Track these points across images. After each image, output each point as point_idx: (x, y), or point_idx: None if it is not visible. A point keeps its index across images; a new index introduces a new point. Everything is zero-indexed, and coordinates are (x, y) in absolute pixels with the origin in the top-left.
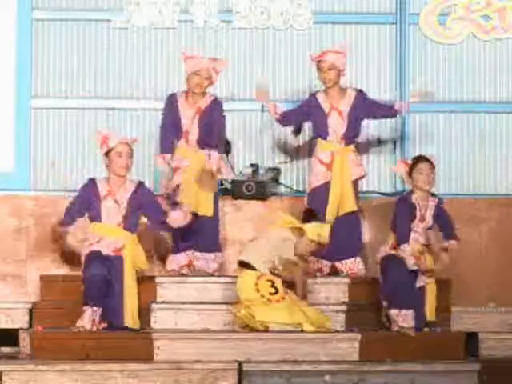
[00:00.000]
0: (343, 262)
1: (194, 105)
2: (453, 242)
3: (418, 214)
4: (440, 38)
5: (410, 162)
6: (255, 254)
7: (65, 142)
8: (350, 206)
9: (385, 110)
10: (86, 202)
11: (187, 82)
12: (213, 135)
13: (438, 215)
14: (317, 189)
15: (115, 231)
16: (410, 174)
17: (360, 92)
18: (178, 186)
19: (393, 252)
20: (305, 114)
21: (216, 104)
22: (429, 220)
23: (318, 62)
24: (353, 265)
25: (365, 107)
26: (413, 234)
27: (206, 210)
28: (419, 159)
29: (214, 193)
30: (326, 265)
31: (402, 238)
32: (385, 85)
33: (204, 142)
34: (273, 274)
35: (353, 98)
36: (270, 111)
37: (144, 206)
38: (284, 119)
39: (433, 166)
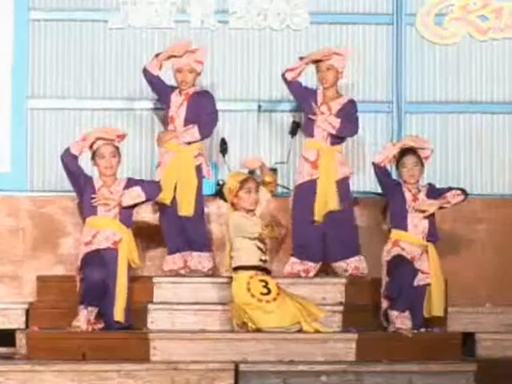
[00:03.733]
0: (348, 260)
1: (183, 93)
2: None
3: (409, 195)
4: (436, 39)
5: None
6: (242, 255)
7: (61, 142)
8: (333, 204)
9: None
10: (84, 177)
11: (175, 80)
12: (199, 125)
13: (432, 191)
14: (301, 186)
15: (112, 223)
16: (397, 167)
17: (350, 102)
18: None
19: (398, 251)
20: (303, 96)
21: (205, 93)
22: (422, 199)
23: (318, 62)
24: (358, 263)
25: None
26: (410, 219)
27: (186, 210)
28: (404, 152)
29: (197, 192)
30: (311, 266)
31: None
32: (381, 85)
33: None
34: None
35: (342, 104)
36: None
37: (137, 185)
38: (292, 82)
39: (418, 159)
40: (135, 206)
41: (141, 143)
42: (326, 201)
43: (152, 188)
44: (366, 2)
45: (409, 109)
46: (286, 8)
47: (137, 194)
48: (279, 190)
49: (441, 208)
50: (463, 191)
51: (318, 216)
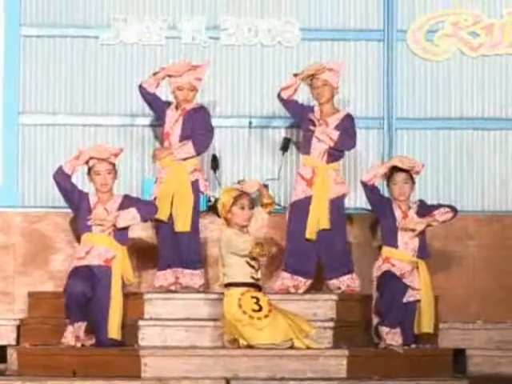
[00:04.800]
0: (340, 279)
1: (180, 109)
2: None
3: (399, 212)
4: (428, 55)
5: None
6: (233, 272)
7: (53, 158)
8: (324, 223)
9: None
10: (78, 194)
11: (173, 96)
12: (195, 140)
13: (423, 208)
14: (295, 204)
15: (106, 241)
16: (387, 184)
17: (348, 116)
18: (155, 198)
19: (388, 268)
20: (300, 113)
21: (201, 109)
22: (412, 216)
23: (312, 78)
24: (350, 281)
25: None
26: (401, 236)
27: (183, 226)
28: (394, 169)
29: (193, 208)
30: (302, 282)
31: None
32: (372, 101)
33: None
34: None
35: (340, 119)
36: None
37: (134, 204)
38: (289, 100)
39: (409, 176)
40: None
41: (131, 159)
42: (319, 219)
43: (148, 209)
44: (356, 18)
45: (400, 125)
46: (277, 24)
47: (132, 216)
48: None
49: (429, 226)
50: (452, 208)
51: (310, 234)
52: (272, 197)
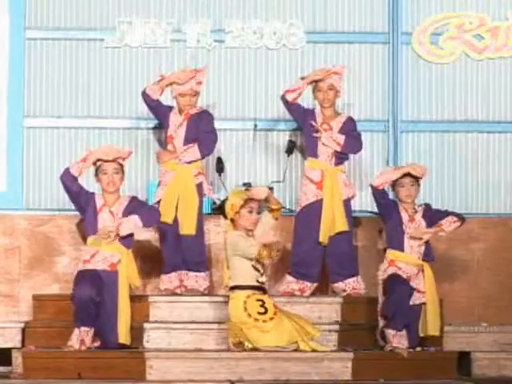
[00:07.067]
0: (346, 281)
1: (183, 113)
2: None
3: (405, 215)
4: (432, 58)
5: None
6: (238, 275)
7: (57, 161)
8: (342, 225)
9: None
10: (84, 196)
11: (176, 101)
12: (200, 143)
13: (429, 212)
14: (307, 207)
15: (111, 244)
16: (393, 187)
17: (350, 119)
18: (159, 201)
19: (394, 271)
20: (303, 116)
21: (205, 113)
22: (419, 220)
23: (317, 81)
24: (355, 284)
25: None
26: (407, 240)
27: (188, 228)
28: None
29: (198, 211)
30: (307, 286)
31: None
32: (377, 104)
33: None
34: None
35: (343, 122)
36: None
37: (137, 210)
38: (293, 103)
39: (415, 179)
40: None
41: (136, 161)
42: (334, 222)
43: (151, 216)
44: (361, 20)
45: (405, 128)
46: (282, 27)
47: (134, 223)
48: None
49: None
50: (460, 217)
51: (323, 238)
52: (279, 202)
